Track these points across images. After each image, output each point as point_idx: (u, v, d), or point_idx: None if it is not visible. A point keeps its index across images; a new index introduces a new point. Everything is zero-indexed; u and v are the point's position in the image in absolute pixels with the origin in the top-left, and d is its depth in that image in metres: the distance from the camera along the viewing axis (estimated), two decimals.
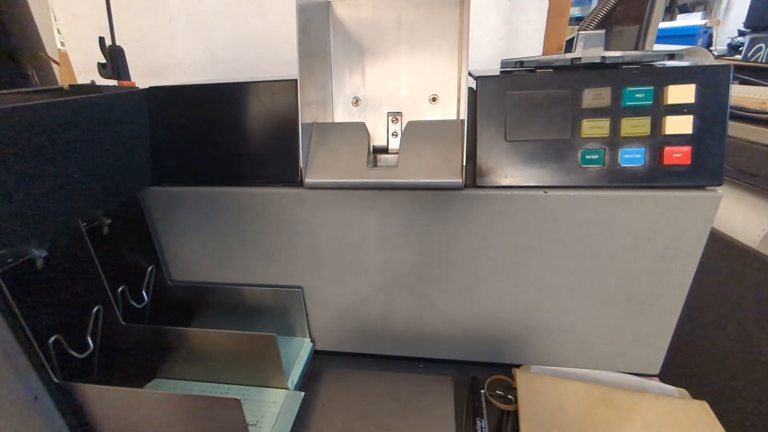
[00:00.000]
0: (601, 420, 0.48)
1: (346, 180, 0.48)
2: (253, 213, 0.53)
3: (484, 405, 0.50)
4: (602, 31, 0.44)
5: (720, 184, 0.43)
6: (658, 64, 0.44)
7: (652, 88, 0.42)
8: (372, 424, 0.50)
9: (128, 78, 0.57)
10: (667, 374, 0.53)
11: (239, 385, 0.55)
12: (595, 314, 0.51)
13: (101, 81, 0.55)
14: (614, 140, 0.44)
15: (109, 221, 0.51)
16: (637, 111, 0.43)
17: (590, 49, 0.44)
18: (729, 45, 2.56)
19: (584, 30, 0.66)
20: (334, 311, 0.58)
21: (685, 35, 2.60)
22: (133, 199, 0.54)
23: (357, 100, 0.54)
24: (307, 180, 0.49)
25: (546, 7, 0.79)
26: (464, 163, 0.46)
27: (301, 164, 0.49)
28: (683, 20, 3.01)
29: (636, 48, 0.77)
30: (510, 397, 0.52)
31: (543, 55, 0.69)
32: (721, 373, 0.64)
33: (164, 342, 0.53)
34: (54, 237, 0.42)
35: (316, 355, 0.61)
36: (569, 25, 0.82)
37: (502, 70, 0.48)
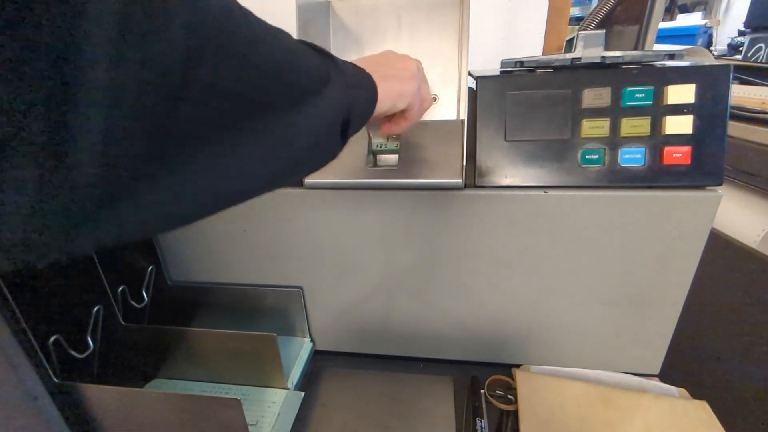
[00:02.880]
0: (601, 420, 0.48)
1: (346, 180, 0.48)
2: (253, 213, 0.53)
3: (484, 405, 0.50)
4: (602, 31, 0.44)
5: (720, 184, 0.43)
6: (658, 64, 0.44)
7: (652, 88, 0.42)
8: (372, 424, 0.50)
9: None
10: (667, 374, 0.53)
11: (239, 385, 0.55)
12: (595, 314, 0.51)
13: None
14: (614, 140, 0.44)
15: None
16: (637, 111, 0.43)
17: (590, 49, 0.44)
18: (729, 45, 2.56)
19: (584, 30, 0.66)
20: (334, 311, 0.58)
21: (685, 35, 2.59)
22: None
23: None
24: (307, 180, 0.49)
25: (546, 7, 0.78)
26: (464, 163, 0.46)
27: None
28: (683, 20, 3.00)
29: (636, 48, 0.77)
30: (510, 397, 0.52)
31: (543, 55, 0.69)
32: (721, 373, 0.64)
33: (164, 342, 0.53)
34: None
35: (316, 355, 0.61)
36: (569, 25, 0.82)
37: (502, 70, 0.48)
